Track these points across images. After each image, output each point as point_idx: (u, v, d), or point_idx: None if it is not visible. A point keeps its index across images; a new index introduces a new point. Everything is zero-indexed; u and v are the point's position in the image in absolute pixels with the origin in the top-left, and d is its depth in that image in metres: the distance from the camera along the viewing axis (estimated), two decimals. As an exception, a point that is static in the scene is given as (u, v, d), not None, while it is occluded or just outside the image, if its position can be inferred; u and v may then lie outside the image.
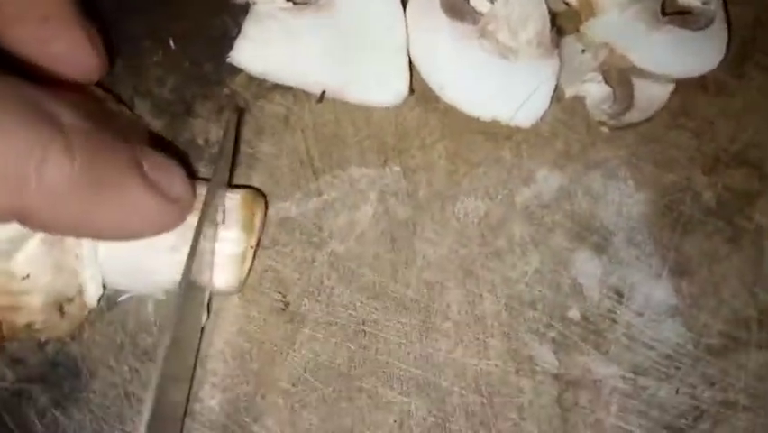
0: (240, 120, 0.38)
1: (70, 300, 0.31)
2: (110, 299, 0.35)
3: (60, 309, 0.30)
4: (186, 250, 0.30)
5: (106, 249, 0.31)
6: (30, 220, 0.25)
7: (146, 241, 0.30)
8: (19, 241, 0.28)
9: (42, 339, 0.33)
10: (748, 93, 0.43)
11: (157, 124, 0.38)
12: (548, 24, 0.39)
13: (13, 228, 0.28)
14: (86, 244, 0.31)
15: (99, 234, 0.29)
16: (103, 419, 0.33)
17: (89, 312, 0.32)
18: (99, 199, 0.26)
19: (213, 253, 0.33)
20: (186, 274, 0.29)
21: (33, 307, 0.29)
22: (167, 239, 0.31)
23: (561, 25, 0.41)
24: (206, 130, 0.38)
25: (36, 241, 0.29)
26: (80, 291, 0.31)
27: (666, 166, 0.40)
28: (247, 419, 0.34)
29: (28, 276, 0.29)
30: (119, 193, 0.27)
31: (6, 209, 0.24)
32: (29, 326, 0.30)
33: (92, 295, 0.32)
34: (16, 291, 0.29)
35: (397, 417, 0.34)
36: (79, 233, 0.28)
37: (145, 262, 0.32)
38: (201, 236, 0.30)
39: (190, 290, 0.30)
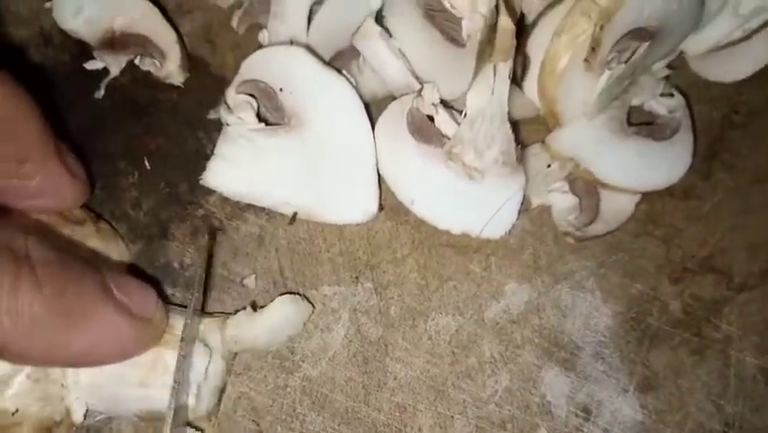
0: (213, 244, 0.41)
1: (58, 424, 0.34)
2: (90, 428, 0.37)
3: None
4: (156, 383, 0.33)
5: (86, 378, 0.34)
6: (4, 352, 0.28)
7: (119, 373, 0.33)
8: (7, 379, 0.32)
9: None
10: (716, 194, 0.47)
11: (133, 249, 0.41)
12: (513, 143, 0.42)
13: (1, 367, 0.31)
14: (69, 374, 0.34)
15: (75, 361, 0.32)
16: None
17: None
18: (70, 326, 0.29)
19: (189, 382, 0.36)
20: (171, 405, 0.32)
21: None
22: (138, 373, 0.34)
23: (524, 139, 0.44)
24: (182, 253, 0.41)
25: (23, 377, 0.32)
26: (67, 414, 0.34)
27: (633, 276, 0.44)
28: None
29: (17, 410, 0.32)
30: (89, 318, 0.30)
31: None
32: None
33: (78, 415, 0.35)
34: (8, 424, 0.32)
35: None
36: (55, 361, 0.31)
37: (119, 393, 0.35)
38: (184, 367, 0.33)
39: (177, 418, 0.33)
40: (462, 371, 0.41)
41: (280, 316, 0.38)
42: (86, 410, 0.36)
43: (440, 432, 0.40)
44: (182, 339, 0.35)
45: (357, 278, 0.42)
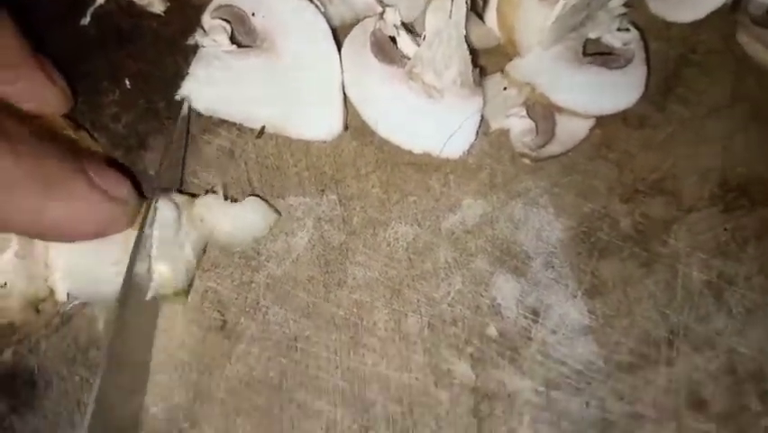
0: (189, 121, 0.46)
1: (43, 300, 0.39)
2: (64, 315, 0.42)
3: (36, 309, 0.38)
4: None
5: (64, 258, 0.39)
6: None
7: (95, 252, 0.38)
8: None
9: (22, 336, 0.41)
10: (670, 126, 0.51)
11: (114, 156, 0.46)
12: (470, 65, 0.46)
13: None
14: (52, 254, 0.38)
15: (51, 231, 0.36)
16: (56, 424, 0.40)
17: (54, 317, 0.40)
18: (47, 194, 0.34)
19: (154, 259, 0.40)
20: (126, 282, 0.37)
21: (13, 309, 0.37)
22: (114, 252, 0.39)
23: (484, 65, 0.49)
24: (158, 162, 0.46)
25: (10, 255, 0.36)
26: (52, 292, 0.39)
27: (586, 195, 0.48)
28: (185, 425, 0.41)
29: (5, 284, 0.36)
30: (64, 189, 0.35)
31: None
32: (11, 325, 0.38)
33: (61, 294, 0.40)
34: None
35: (324, 425, 0.41)
36: (31, 228, 0.35)
37: (96, 273, 0.40)
38: (143, 242, 0.37)
39: (132, 298, 0.37)
40: (418, 274, 0.45)
41: (248, 213, 0.43)
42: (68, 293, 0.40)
43: (394, 326, 0.43)
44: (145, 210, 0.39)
45: (322, 191, 0.47)
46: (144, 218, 0.39)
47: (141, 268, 0.39)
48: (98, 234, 0.38)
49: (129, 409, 0.40)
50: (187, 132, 0.46)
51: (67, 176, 0.35)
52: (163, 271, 0.40)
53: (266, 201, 0.45)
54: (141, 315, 0.40)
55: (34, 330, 0.40)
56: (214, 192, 0.43)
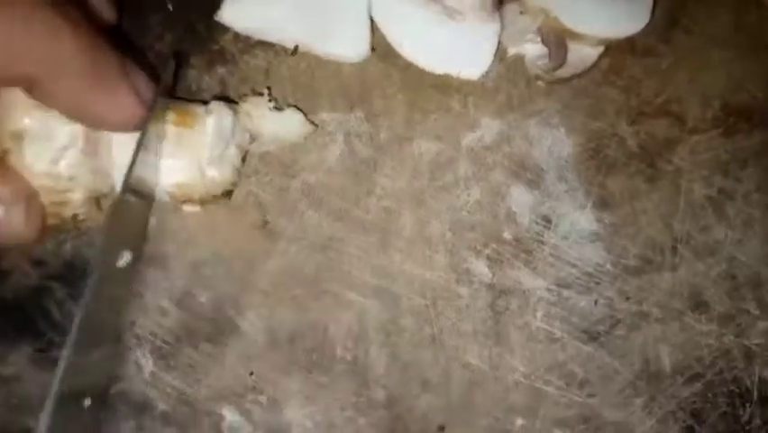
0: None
1: (105, 195, 0.42)
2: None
3: (98, 203, 0.42)
4: (185, 155, 0.42)
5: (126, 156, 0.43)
6: (35, 89, 0.36)
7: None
8: (63, 150, 0.39)
9: (84, 228, 0.44)
10: (674, 55, 0.53)
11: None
12: (490, -9, 0.49)
13: (58, 140, 0.39)
14: (115, 151, 0.42)
15: (87, 117, 0.39)
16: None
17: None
18: (94, 87, 0.37)
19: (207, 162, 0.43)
20: (128, 177, 0.40)
21: (77, 201, 0.40)
22: (166, 148, 0.43)
23: (502, -5, 0.52)
24: (199, 79, 0.49)
25: (76, 151, 0.40)
26: (112, 188, 0.42)
27: (595, 116, 0.51)
28: (231, 313, 0.44)
29: (73, 177, 0.40)
30: (110, 87, 0.38)
31: (20, 73, 0.35)
32: (74, 217, 0.41)
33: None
34: (63, 189, 0.40)
35: (356, 314, 0.45)
36: (71, 112, 0.38)
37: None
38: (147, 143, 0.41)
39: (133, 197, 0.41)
40: (440, 185, 0.48)
41: (288, 120, 0.46)
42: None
43: (419, 231, 0.47)
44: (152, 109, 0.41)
45: (351, 108, 0.50)
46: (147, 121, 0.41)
47: (143, 169, 0.41)
48: (124, 129, 0.40)
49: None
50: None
51: (114, 74, 0.38)
52: (215, 175, 0.43)
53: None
54: (138, 215, 0.43)
55: (94, 223, 0.43)
56: (260, 94, 0.47)
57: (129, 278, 0.43)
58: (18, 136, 0.39)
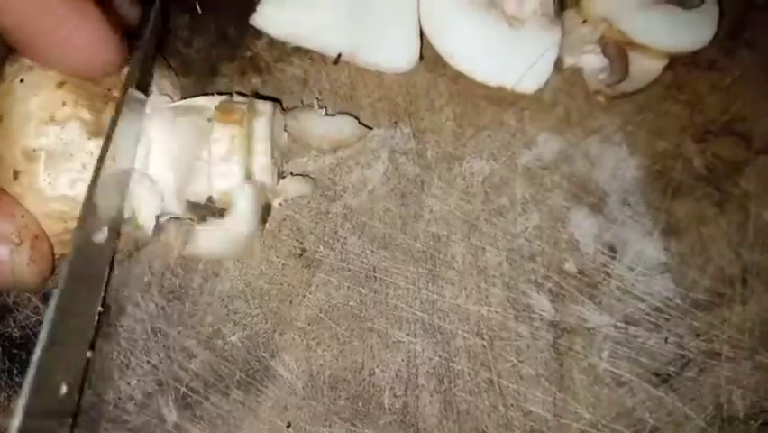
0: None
1: (125, 221, 0.34)
2: (138, 240, 0.37)
3: (117, 232, 0.34)
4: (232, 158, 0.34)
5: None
6: None
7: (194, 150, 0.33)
8: (81, 172, 0.31)
9: None
10: (737, 69, 0.46)
11: (183, 81, 0.41)
12: (551, -4, 0.41)
13: (78, 161, 0.31)
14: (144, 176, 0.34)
15: (40, 29, 0.29)
16: (130, 352, 0.36)
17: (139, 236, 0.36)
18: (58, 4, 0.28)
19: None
20: (102, 158, 0.31)
21: None
22: (214, 149, 0.34)
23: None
24: (231, 89, 0.41)
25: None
26: (133, 212, 0.34)
27: (659, 134, 0.43)
28: (265, 355, 0.36)
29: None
30: (75, 7, 0.29)
31: None
32: None
33: (145, 217, 0.35)
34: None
35: (405, 356, 0.37)
36: (31, 34, 0.29)
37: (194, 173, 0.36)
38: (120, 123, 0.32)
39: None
40: (494, 209, 0.41)
41: (340, 122, 0.38)
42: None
43: (472, 259, 0.39)
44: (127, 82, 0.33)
45: (396, 123, 0.42)
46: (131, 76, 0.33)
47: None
48: (90, 63, 0.31)
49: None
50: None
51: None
52: (265, 182, 0.36)
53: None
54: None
55: (113, 253, 0.35)
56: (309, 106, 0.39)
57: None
58: (32, 156, 0.31)
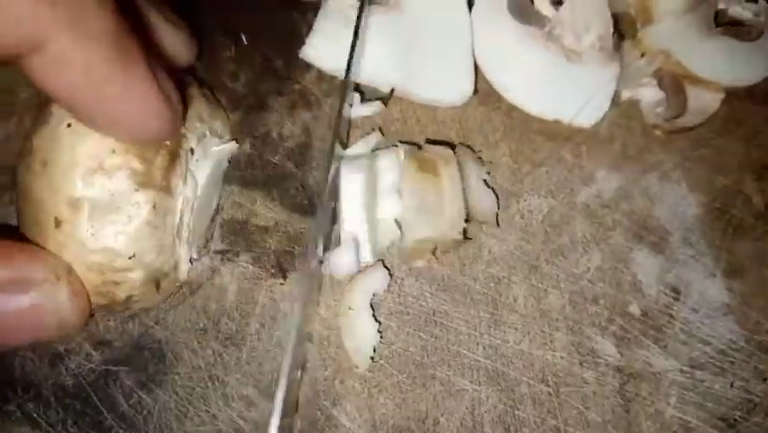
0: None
1: (166, 275, 0.33)
2: (192, 284, 0.36)
3: (157, 284, 0.32)
4: None
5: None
6: (41, 50, 0.24)
7: None
8: (126, 224, 0.30)
9: (135, 310, 0.35)
10: (793, 102, 0.45)
11: (233, 118, 0.40)
12: (611, 29, 0.41)
13: (124, 213, 0.30)
14: (183, 226, 0.33)
15: (100, 101, 0.28)
16: (188, 401, 0.34)
17: (179, 288, 0.35)
18: (115, 60, 0.26)
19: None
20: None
21: (135, 282, 0.31)
22: None
23: (621, 31, 0.43)
24: (280, 123, 0.40)
25: (142, 222, 0.30)
26: (175, 267, 0.33)
27: (717, 170, 0.43)
28: (326, 403, 0.35)
29: (134, 255, 0.30)
30: (133, 66, 0.27)
31: (28, 30, 0.24)
32: (128, 299, 0.31)
33: (183, 270, 0.34)
34: (120, 268, 0.30)
35: (469, 404, 0.36)
36: (82, 90, 0.27)
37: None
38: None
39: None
40: (555, 248, 0.40)
41: None
42: (190, 265, 0.35)
43: (534, 303, 0.38)
44: None
45: (450, 158, 0.41)
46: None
47: None
48: (143, 128, 0.30)
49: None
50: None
51: (133, 62, 0.27)
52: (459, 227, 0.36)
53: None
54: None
55: (151, 306, 0.34)
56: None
57: None
58: (76, 205, 0.29)
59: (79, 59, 0.25)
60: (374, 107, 0.37)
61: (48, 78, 0.26)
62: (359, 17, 0.36)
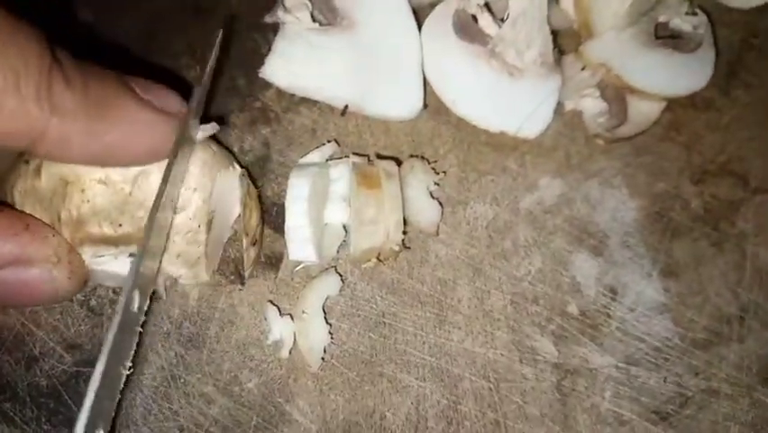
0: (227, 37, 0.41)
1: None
2: (156, 292, 0.40)
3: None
4: None
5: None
6: (44, 141, 0.29)
7: None
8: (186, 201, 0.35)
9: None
10: (734, 109, 0.48)
11: (196, 134, 0.43)
12: (551, 45, 0.44)
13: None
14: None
15: (111, 154, 0.31)
16: (152, 399, 0.38)
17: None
18: (101, 116, 0.30)
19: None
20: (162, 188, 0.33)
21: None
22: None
23: (561, 45, 0.46)
24: (241, 139, 0.44)
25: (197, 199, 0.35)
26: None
27: (658, 176, 0.46)
28: (280, 400, 0.39)
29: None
30: (116, 109, 0.31)
31: (23, 131, 0.28)
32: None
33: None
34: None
35: (414, 400, 0.40)
36: (92, 152, 0.31)
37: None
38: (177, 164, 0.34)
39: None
40: (498, 252, 0.43)
41: None
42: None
43: (478, 304, 0.42)
44: (177, 140, 0.34)
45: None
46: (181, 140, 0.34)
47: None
48: (154, 153, 0.33)
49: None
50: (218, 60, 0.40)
51: (116, 95, 0.31)
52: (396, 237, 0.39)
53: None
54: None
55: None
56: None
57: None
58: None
59: (72, 132, 0.29)
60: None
61: (58, 157, 0.31)
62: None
